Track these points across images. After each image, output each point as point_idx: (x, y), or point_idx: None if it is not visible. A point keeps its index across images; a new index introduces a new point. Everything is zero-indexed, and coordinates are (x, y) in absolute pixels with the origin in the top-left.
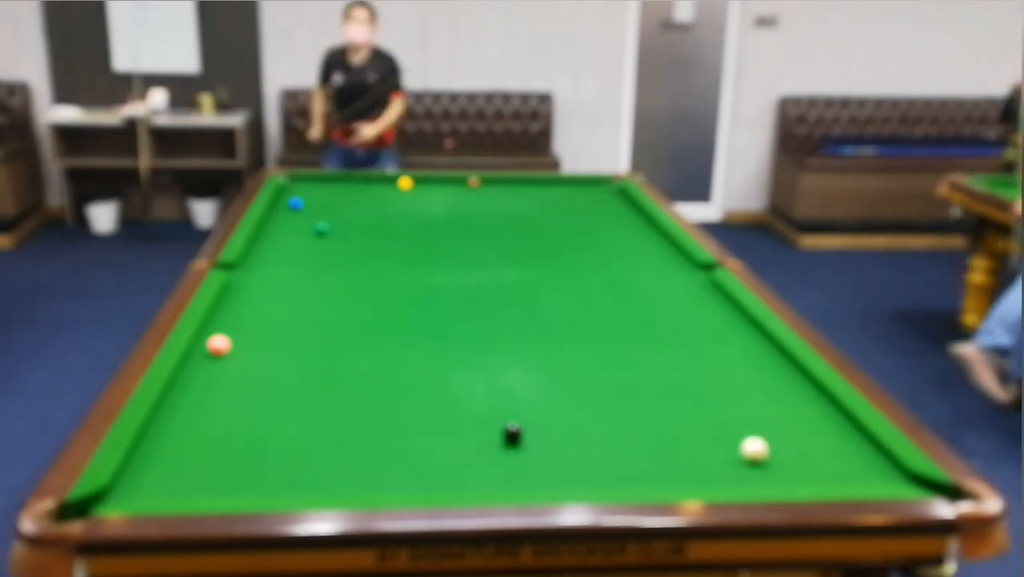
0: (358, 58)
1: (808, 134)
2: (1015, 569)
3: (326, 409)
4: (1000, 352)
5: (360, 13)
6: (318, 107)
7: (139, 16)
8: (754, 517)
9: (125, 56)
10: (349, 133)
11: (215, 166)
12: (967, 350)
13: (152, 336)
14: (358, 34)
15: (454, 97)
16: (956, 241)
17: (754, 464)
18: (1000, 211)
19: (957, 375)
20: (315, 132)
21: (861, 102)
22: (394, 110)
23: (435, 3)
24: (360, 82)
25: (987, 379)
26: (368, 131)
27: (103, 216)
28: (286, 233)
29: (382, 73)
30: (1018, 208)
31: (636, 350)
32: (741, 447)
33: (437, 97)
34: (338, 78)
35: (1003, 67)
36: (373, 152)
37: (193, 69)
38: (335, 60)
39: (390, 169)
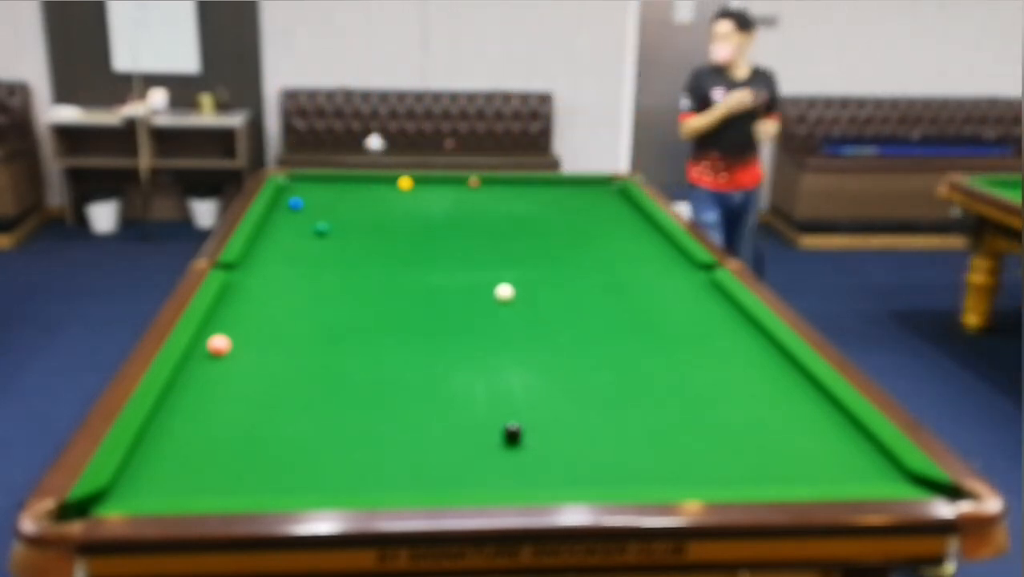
0: (740, 73)
1: (808, 134)
2: (1015, 569)
3: (326, 409)
4: None
5: (722, 27)
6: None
7: (139, 16)
8: (754, 517)
9: (125, 56)
10: (722, 171)
11: (215, 166)
12: None
13: (152, 336)
14: (722, 54)
15: (454, 97)
16: (956, 241)
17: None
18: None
19: (957, 375)
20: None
21: (861, 102)
22: (774, 129)
23: (435, 3)
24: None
25: None
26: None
27: (103, 216)
28: (286, 233)
29: (768, 92)
30: None
31: (636, 350)
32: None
33: (437, 97)
34: (719, 94)
35: (1003, 67)
36: (749, 193)
37: (193, 69)
38: (710, 76)
39: (753, 216)
